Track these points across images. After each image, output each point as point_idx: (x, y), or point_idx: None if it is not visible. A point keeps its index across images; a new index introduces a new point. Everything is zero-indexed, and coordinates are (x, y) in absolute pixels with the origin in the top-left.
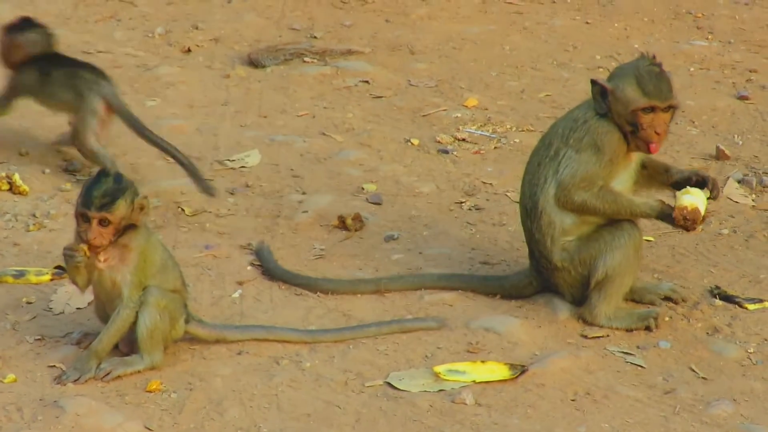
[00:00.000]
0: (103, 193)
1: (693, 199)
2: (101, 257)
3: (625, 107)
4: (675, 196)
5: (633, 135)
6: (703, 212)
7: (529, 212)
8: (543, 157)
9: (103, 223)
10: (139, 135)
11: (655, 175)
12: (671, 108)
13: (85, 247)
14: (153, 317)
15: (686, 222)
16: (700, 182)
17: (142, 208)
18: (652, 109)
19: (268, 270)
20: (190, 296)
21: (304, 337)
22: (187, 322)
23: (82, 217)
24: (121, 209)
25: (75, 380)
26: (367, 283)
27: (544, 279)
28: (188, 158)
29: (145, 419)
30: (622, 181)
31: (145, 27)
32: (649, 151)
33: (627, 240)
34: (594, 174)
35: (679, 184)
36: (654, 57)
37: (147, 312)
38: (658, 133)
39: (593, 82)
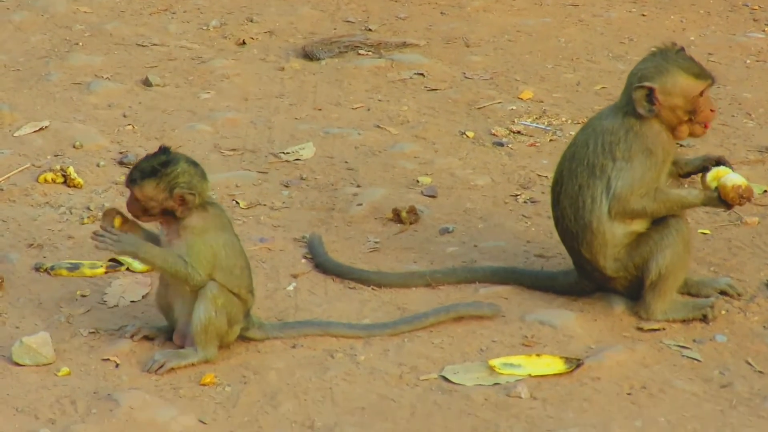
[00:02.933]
0: (140, 169)
1: (737, 177)
2: (164, 230)
3: (683, 98)
4: (702, 182)
5: (689, 122)
6: None
7: (576, 235)
8: (584, 178)
9: (133, 196)
10: None
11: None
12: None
13: (118, 218)
14: (208, 312)
15: (742, 200)
16: (716, 164)
17: (182, 201)
18: (703, 91)
19: (319, 263)
20: (254, 304)
21: (360, 332)
22: (246, 330)
23: None
24: (147, 189)
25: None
26: (417, 276)
27: (596, 284)
28: None
29: (199, 413)
30: (663, 179)
31: (200, 19)
32: (705, 129)
33: (675, 237)
34: (650, 178)
35: (690, 174)
36: (675, 43)
37: (203, 305)
38: (713, 110)
39: (639, 87)
